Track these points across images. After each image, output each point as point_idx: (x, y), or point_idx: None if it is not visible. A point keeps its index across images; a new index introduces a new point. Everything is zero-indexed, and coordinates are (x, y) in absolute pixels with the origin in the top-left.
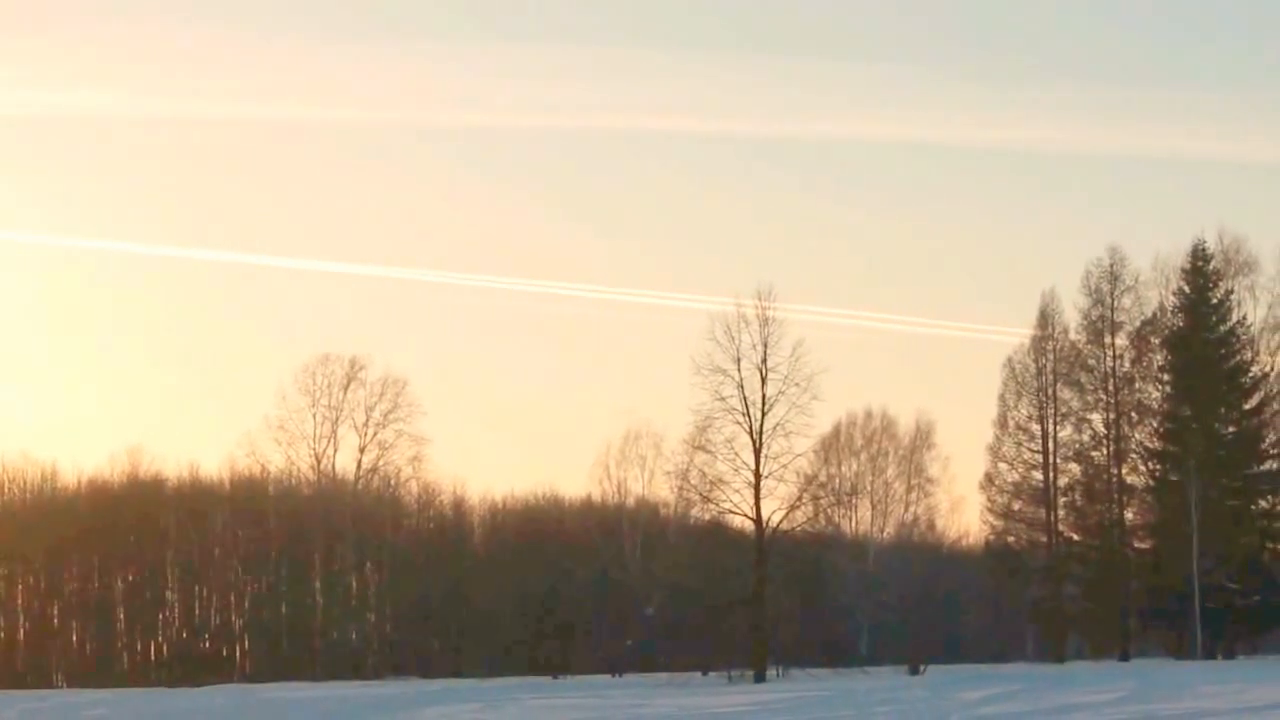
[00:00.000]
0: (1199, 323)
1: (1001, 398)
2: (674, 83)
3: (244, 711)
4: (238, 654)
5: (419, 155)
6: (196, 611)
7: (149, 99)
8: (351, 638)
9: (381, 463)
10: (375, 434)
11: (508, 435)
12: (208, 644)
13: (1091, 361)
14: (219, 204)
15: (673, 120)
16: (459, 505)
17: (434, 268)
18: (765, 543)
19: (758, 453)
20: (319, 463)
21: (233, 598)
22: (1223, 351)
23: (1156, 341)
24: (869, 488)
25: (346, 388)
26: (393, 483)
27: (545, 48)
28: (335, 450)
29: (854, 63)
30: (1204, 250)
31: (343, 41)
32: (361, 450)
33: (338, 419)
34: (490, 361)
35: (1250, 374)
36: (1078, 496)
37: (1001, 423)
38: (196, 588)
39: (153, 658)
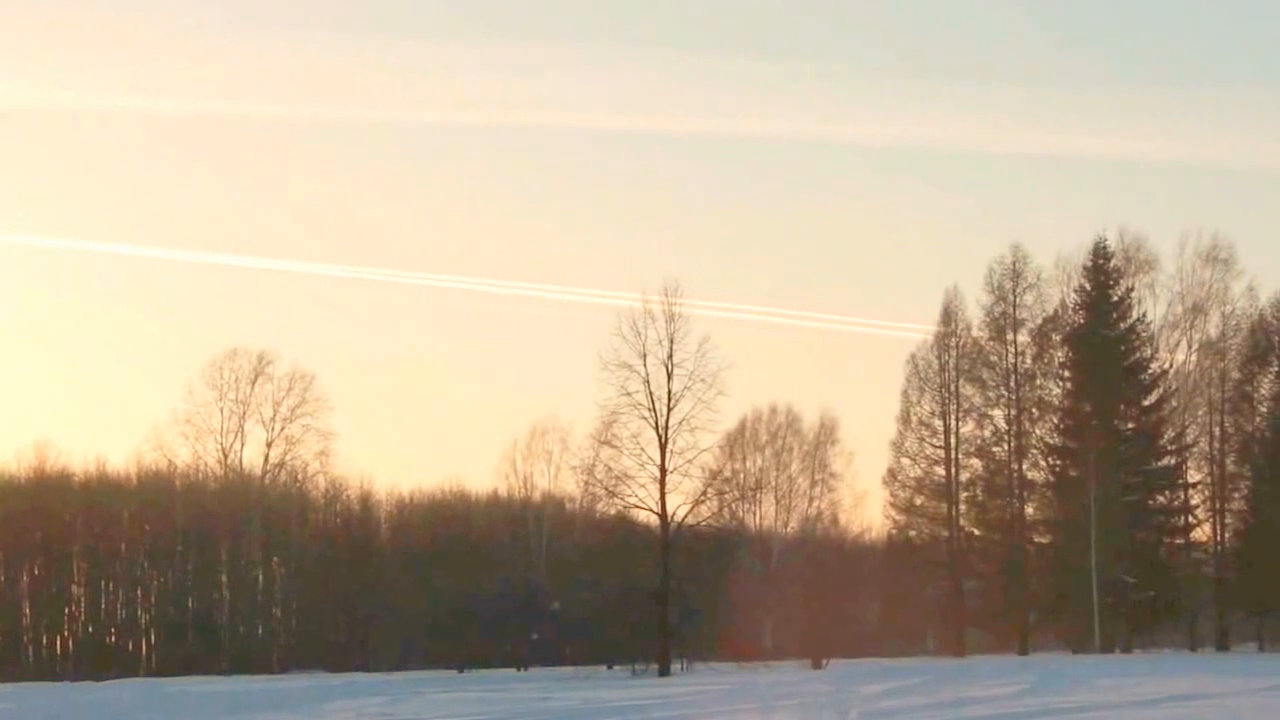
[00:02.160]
0: (1099, 320)
1: (905, 394)
2: (583, 79)
3: (149, 706)
4: (144, 648)
5: (328, 150)
6: (103, 606)
7: (50, 92)
8: (258, 632)
9: (289, 457)
10: (282, 429)
11: (415, 430)
12: (114, 638)
13: (993, 358)
14: (128, 198)
15: (581, 116)
16: (366, 500)
17: (342, 263)
18: (670, 537)
19: (663, 448)
20: (226, 457)
21: (139, 592)
22: (1122, 349)
23: (1057, 338)
24: (773, 483)
25: (254, 382)
26: (300, 477)
27: (451, 44)
28: (242, 445)
29: (761, 61)
30: (1105, 248)
31: (251, 35)
32: (269, 445)
33: (245, 413)
34: (397, 356)
35: (1149, 371)
36: (979, 492)
37: (904, 418)
38: (103, 582)
39: (58, 652)
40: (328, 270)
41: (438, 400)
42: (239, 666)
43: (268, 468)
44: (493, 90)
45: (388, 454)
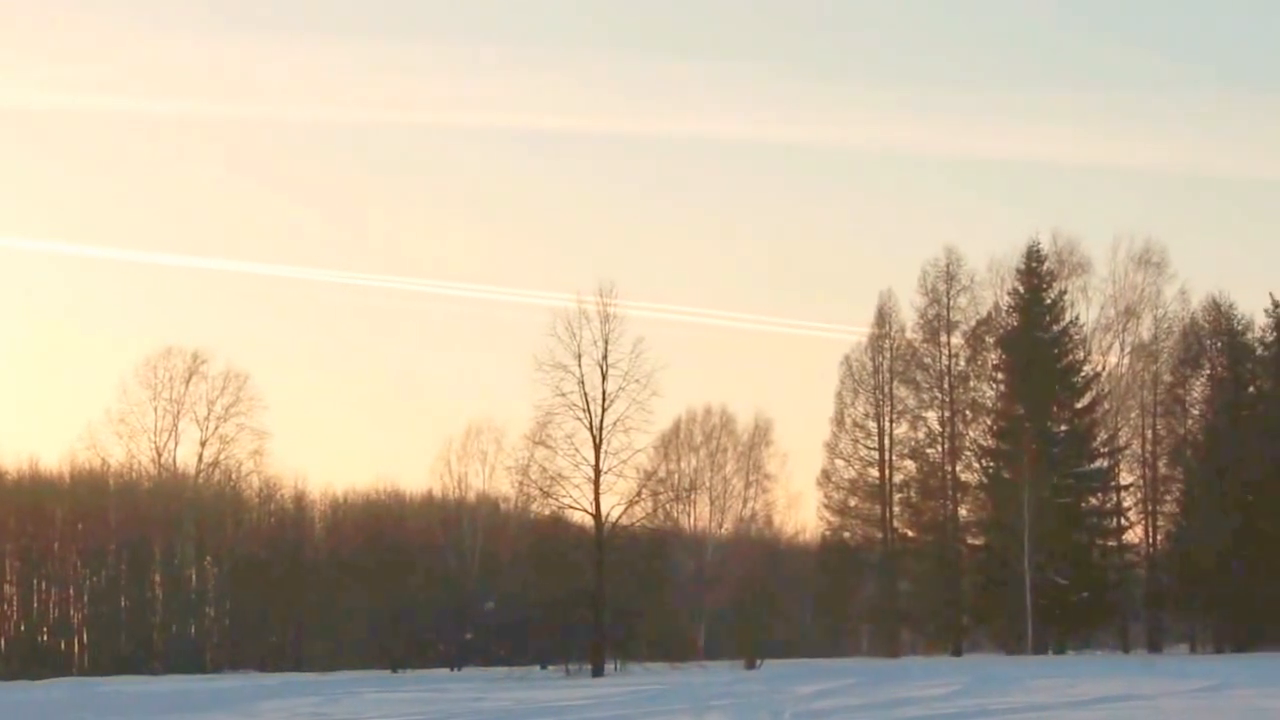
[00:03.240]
0: (1033, 323)
1: (839, 395)
2: (516, 78)
3: (82, 706)
4: (76, 648)
5: (263, 150)
6: (35, 605)
7: None
8: (191, 632)
9: (223, 457)
10: (217, 428)
11: (349, 430)
12: (46, 638)
13: (927, 360)
14: (61, 196)
15: (514, 116)
16: (300, 500)
17: (278, 262)
18: (604, 538)
19: (598, 448)
20: (160, 456)
21: (71, 591)
22: (1056, 351)
23: (991, 341)
24: (708, 484)
25: (188, 381)
26: (234, 477)
27: (385, 42)
28: (176, 444)
29: (695, 61)
30: (1038, 251)
31: (189, 34)
32: (203, 444)
33: (179, 412)
34: (332, 356)
35: (1082, 373)
36: (913, 493)
37: (839, 420)
38: (35, 581)
39: None
40: (263, 269)
41: (372, 400)
42: (172, 666)
43: (201, 467)
44: (428, 90)
45: (322, 454)
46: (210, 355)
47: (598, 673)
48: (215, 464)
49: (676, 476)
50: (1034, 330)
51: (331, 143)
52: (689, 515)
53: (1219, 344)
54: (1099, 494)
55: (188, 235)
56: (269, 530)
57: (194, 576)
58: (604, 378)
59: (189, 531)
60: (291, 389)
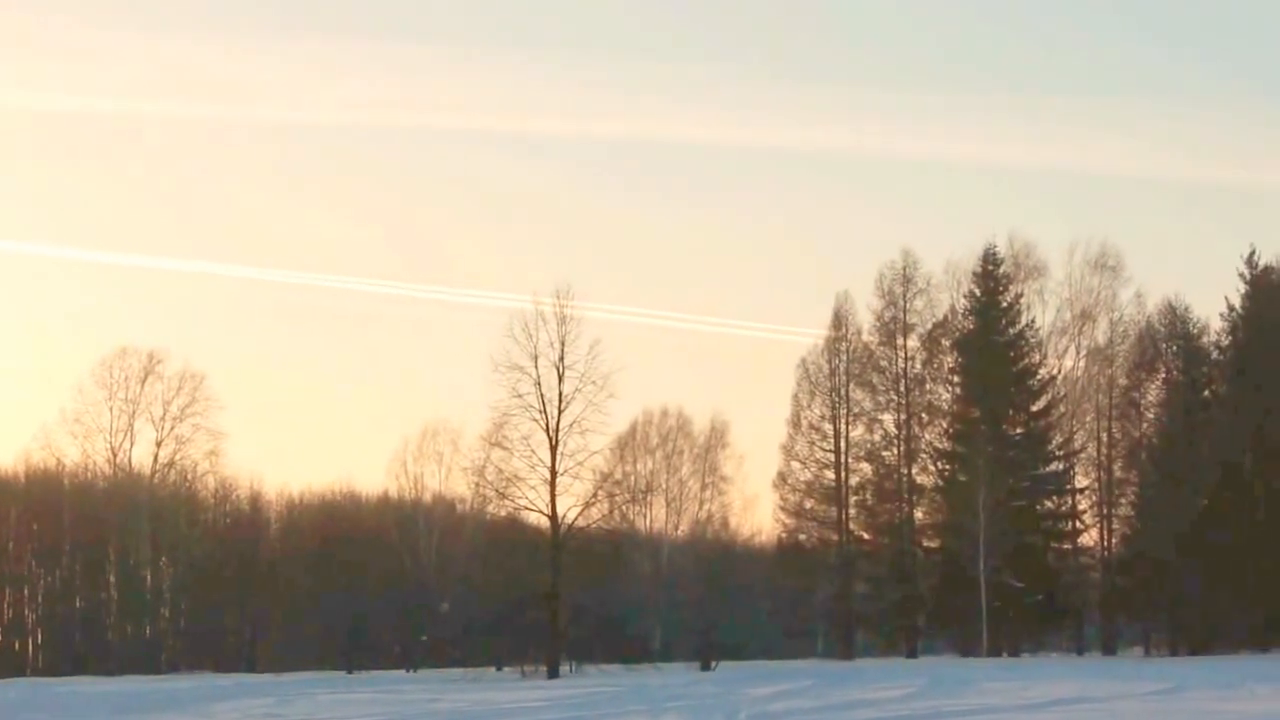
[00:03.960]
0: (989, 326)
1: (795, 397)
2: (474, 80)
3: (36, 706)
4: (30, 648)
5: (220, 150)
6: None
7: None
8: (145, 632)
9: (178, 457)
10: (172, 428)
11: (305, 431)
12: (0, 638)
13: (883, 363)
14: (17, 196)
15: (472, 117)
16: (255, 500)
17: (235, 262)
18: (560, 539)
19: (554, 450)
20: (115, 456)
21: (26, 591)
22: (1011, 354)
23: (947, 344)
24: (664, 485)
25: (144, 381)
26: (189, 477)
27: (342, 44)
28: (132, 444)
29: (654, 63)
30: (995, 255)
31: (140, 33)
32: (158, 444)
33: (135, 412)
34: (289, 356)
35: (1038, 377)
36: (868, 496)
37: (795, 422)
38: None
39: None
40: (219, 270)
41: (328, 401)
42: (127, 667)
43: (157, 467)
44: (386, 91)
45: (278, 454)
46: (166, 355)
47: (553, 674)
48: (171, 464)
49: (632, 478)
50: (990, 333)
51: (288, 144)
52: (645, 517)
53: (1174, 348)
54: (1054, 497)
55: (145, 235)
56: (224, 531)
57: (149, 577)
58: (560, 379)
59: (144, 532)
60: (248, 389)
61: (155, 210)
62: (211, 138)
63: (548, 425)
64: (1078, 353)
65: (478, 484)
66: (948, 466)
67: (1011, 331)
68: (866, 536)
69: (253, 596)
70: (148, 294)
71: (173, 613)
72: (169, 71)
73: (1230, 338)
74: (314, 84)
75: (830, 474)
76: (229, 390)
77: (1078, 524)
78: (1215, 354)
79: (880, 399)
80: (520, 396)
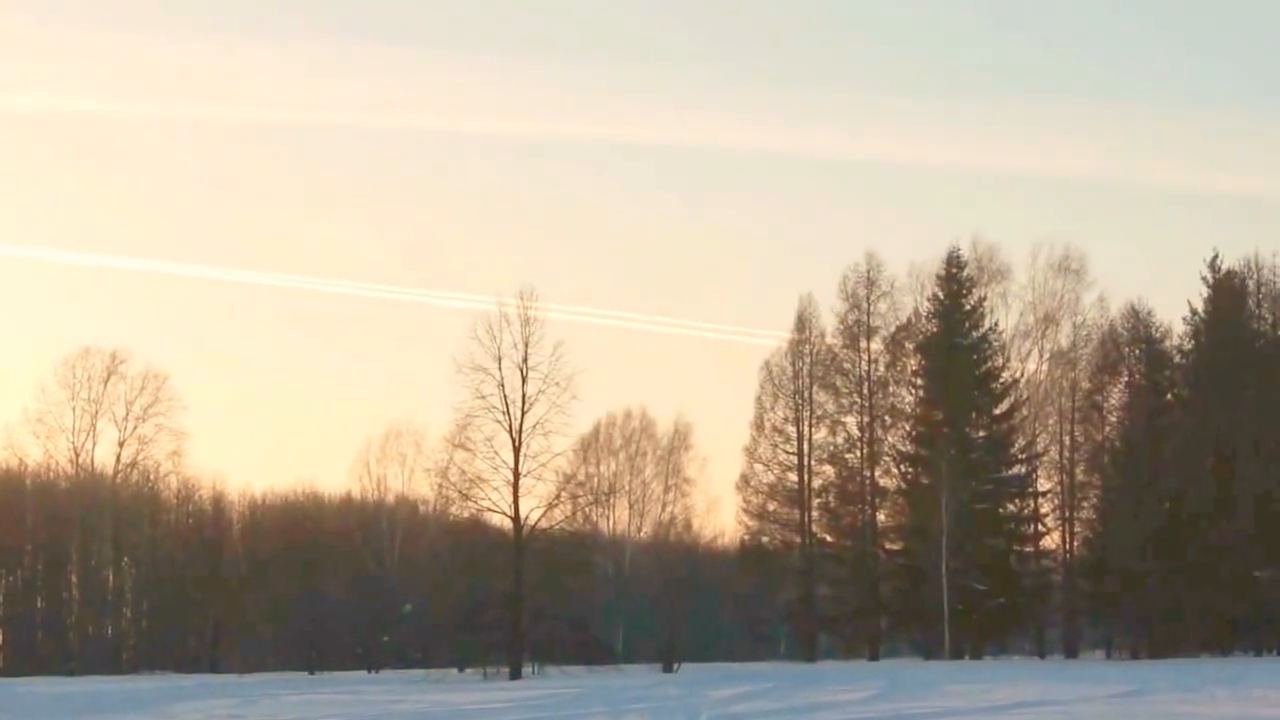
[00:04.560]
0: (952, 329)
1: (758, 400)
2: (439, 81)
3: None
4: None
5: (183, 149)
6: None
7: None
8: (107, 632)
9: (141, 457)
10: (135, 428)
11: (268, 431)
12: None
13: (847, 365)
14: None
15: (437, 118)
16: (218, 501)
17: (197, 262)
18: (523, 541)
19: (517, 451)
20: (77, 456)
21: None
22: (975, 357)
23: (910, 347)
24: (627, 487)
25: (107, 381)
26: (152, 477)
27: (304, 44)
28: (94, 444)
29: (618, 64)
30: (958, 258)
31: (102, 32)
32: (121, 444)
33: (97, 413)
34: (252, 357)
35: (1001, 380)
36: (831, 498)
37: (758, 425)
38: None
39: None
40: (182, 270)
41: (291, 401)
42: (88, 667)
43: (119, 467)
44: (348, 91)
45: (240, 455)
46: (129, 356)
47: (515, 675)
48: (133, 464)
49: (596, 480)
50: (953, 336)
51: (252, 144)
52: (608, 519)
53: (1137, 351)
54: (1017, 500)
55: (108, 235)
56: (187, 531)
57: (111, 577)
58: (524, 381)
59: (106, 532)
60: (210, 390)
61: (118, 210)
62: (173, 137)
63: (511, 427)
64: (1041, 356)
65: (441, 485)
66: (910, 469)
67: (975, 335)
68: (829, 539)
69: (215, 597)
70: (111, 294)
71: (135, 613)
72: (128, 71)
73: (1193, 341)
74: (279, 84)
75: (793, 476)
76: (192, 390)
77: (1040, 527)
78: (1178, 358)
79: (843, 401)
80: (484, 398)
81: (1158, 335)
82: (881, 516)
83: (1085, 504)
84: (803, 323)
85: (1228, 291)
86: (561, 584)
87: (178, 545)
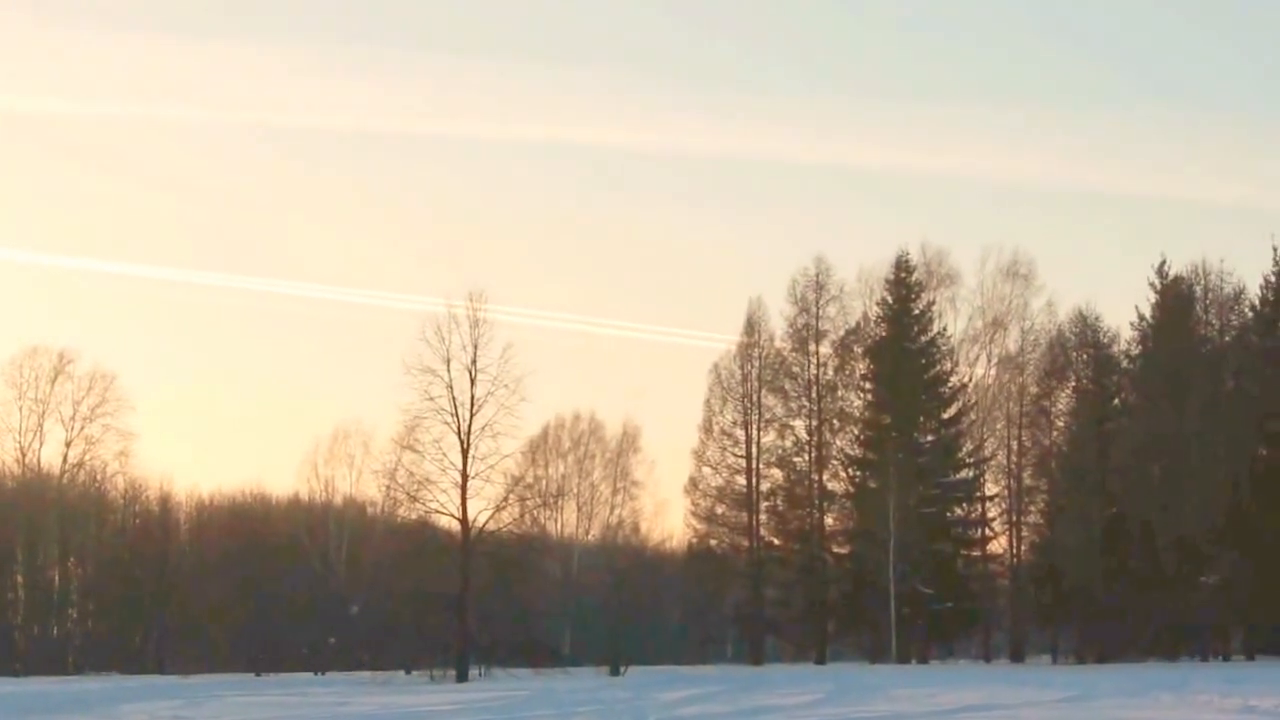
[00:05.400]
0: (901, 333)
1: (707, 403)
2: (386, 82)
3: None
4: None
5: (133, 148)
6: None
7: None
8: (53, 633)
9: (88, 457)
10: (82, 428)
11: (216, 432)
12: None
13: (796, 369)
14: None
15: (387, 120)
16: (165, 501)
17: (145, 262)
18: (471, 543)
19: (465, 453)
20: (24, 456)
21: None
22: (923, 361)
23: (859, 351)
24: (575, 490)
25: (54, 381)
26: (99, 477)
27: (251, 44)
28: (41, 444)
29: (569, 68)
30: (907, 262)
31: (48, 31)
32: (68, 444)
33: (44, 412)
34: (200, 357)
35: (949, 384)
36: (779, 501)
37: (707, 428)
38: None
39: None
40: (130, 269)
41: (239, 402)
42: (33, 668)
43: (66, 467)
44: (297, 92)
45: (188, 455)
46: (77, 355)
47: (462, 678)
48: (80, 464)
49: (544, 482)
50: (902, 340)
51: (201, 143)
52: (556, 521)
53: (1085, 356)
54: (964, 504)
55: (55, 234)
56: (134, 532)
57: (57, 578)
58: (473, 383)
59: (52, 533)
60: (158, 390)
61: (66, 210)
62: (122, 137)
63: (459, 428)
64: (989, 360)
65: (388, 487)
66: (858, 473)
67: (923, 339)
68: (777, 542)
69: (161, 598)
70: (58, 294)
71: (81, 614)
72: (77, 69)
73: (1140, 347)
74: (227, 85)
75: (741, 479)
76: (140, 391)
77: (987, 531)
78: (1125, 363)
79: (792, 405)
80: (432, 399)
81: (1105, 340)
82: (829, 520)
83: (1032, 509)
84: (752, 326)
85: (1175, 297)
86: (509, 586)
87: (124, 546)
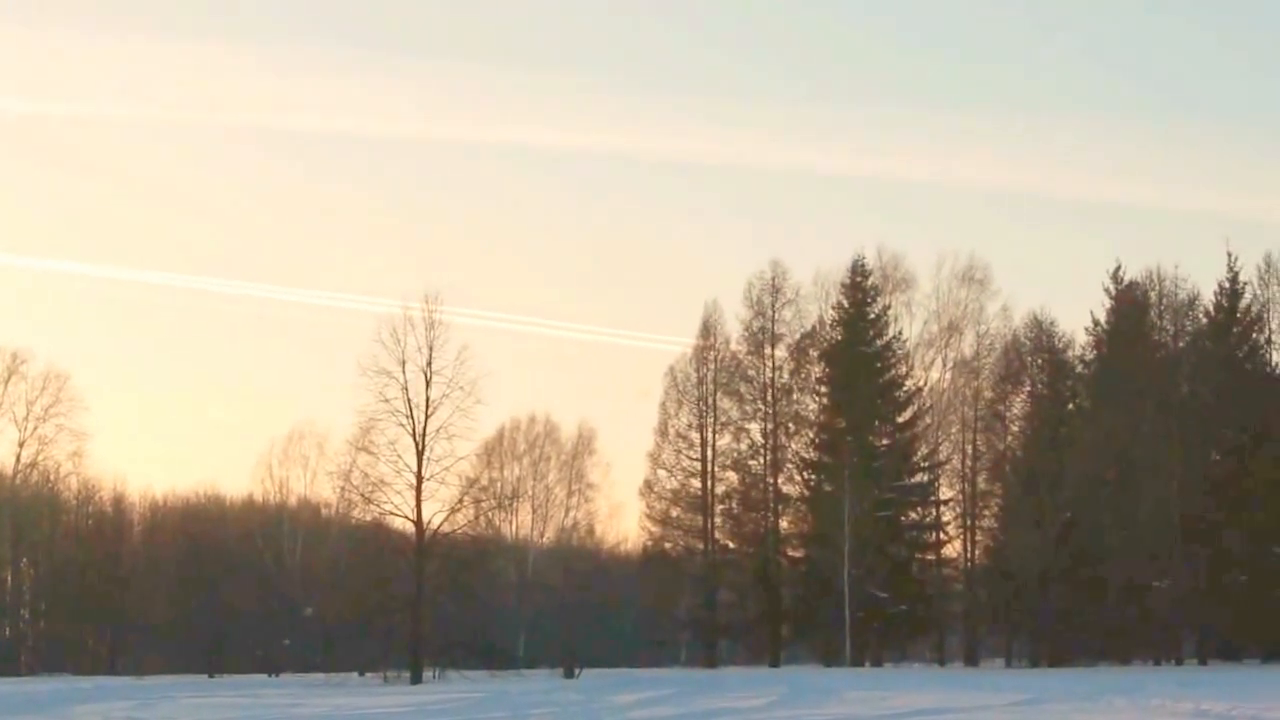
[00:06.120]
0: (856, 337)
1: (663, 406)
2: (350, 83)
3: None
4: None
5: (86, 148)
6: None
7: None
8: (5, 633)
9: (41, 458)
10: (35, 428)
11: (170, 433)
12: None
13: (751, 372)
14: None
15: (345, 121)
16: (119, 502)
17: (101, 262)
18: (425, 545)
19: (420, 455)
20: None
21: None
22: (878, 365)
23: (815, 354)
24: (530, 492)
25: (7, 381)
26: (52, 478)
27: (211, 44)
28: None
29: (525, 70)
30: (863, 266)
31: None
32: (21, 444)
33: None
34: (154, 358)
35: (904, 388)
36: (734, 505)
37: (662, 430)
38: None
39: None
40: (84, 269)
41: (194, 403)
42: None
43: (19, 467)
44: (253, 92)
45: (142, 456)
46: (30, 355)
47: (416, 680)
48: (33, 465)
49: (499, 484)
50: (857, 344)
51: (153, 143)
52: (511, 523)
53: (1040, 361)
54: (919, 508)
55: (8, 234)
56: (87, 533)
57: (9, 578)
58: (428, 384)
59: (5, 533)
60: (112, 390)
61: (19, 209)
62: (75, 136)
63: (414, 430)
64: (944, 365)
65: (343, 488)
66: (813, 476)
67: (879, 343)
68: (732, 545)
69: (115, 599)
70: (12, 293)
71: (33, 614)
72: (34, 69)
73: (1095, 352)
74: (184, 85)
75: (696, 482)
76: (94, 391)
77: (942, 535)
78: (1080, 368)
79: (747, 408)
80: (387, 401)
81: (1060, 345)
82: (784, 523)
83: (986, 513)
84: (708, 329)
85: (1130, 303)
86: (464, 589)
87: (77, 546)
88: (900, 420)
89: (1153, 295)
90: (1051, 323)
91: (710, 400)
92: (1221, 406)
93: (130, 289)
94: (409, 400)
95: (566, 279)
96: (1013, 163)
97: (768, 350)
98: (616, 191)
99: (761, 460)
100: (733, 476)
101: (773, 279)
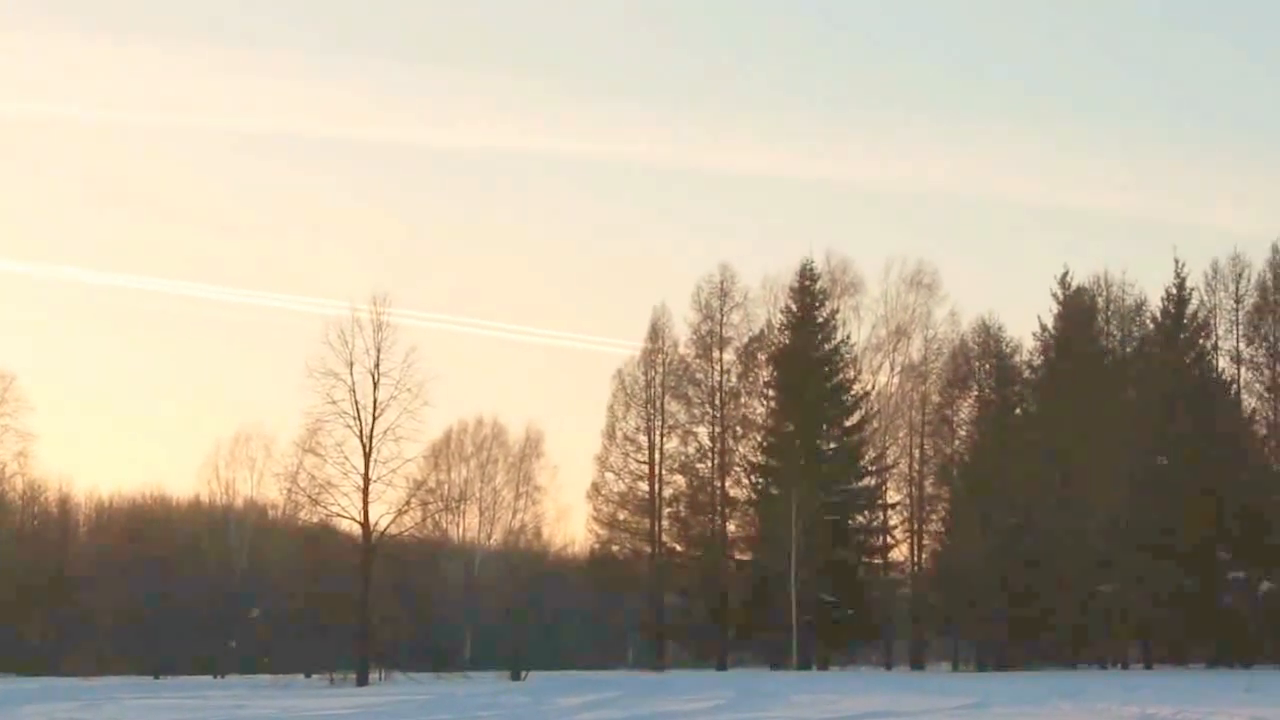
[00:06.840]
0: (804, 341)
1: (611, 409)
2: (297, 86)
3: None
4: None
5: (34, 148)
6: None
7: None
8: None
9: None
10: None
11: (116, 433)
12: None
13: (699, 376)
14: None
15: (292, 123)
16: (64, 503)
17: (46, 262)
18: (372, 547)
19: (367, 457)
20: None
21: None
22: (826, 369)
23: (763, 358)
24: (477, 494)
25: None
26: None
27: (164, 45)
28: None
29: (477, 73)
30: (812, 270)
31: None
32: None
33: None
34: (101, 359)
35: (852, 392)
36: (682, 508)
37: (610, 433)
38: None
39: None
40: (30, 269)
41: (140, 403)
42: None
43: None
44: (206, 94)
45: (88, 457)
46: None
47: (362, 682)
48: None
49: (446, 486)
50: (805, 348)
51: (101, 143)
52: (458, 525)
53: (987, 366)
54: (866, 512)
55: None
56: (32, 533)
57: None
58: (375, 386)
59: None
60: (58, 391)
61: None
62: (21, 135)
63: (362, 432)
64: (892, 369)
65: (290, 490)
66: (761, 480)
67: (826, 347)
68: (679, 548)
69: (60, 600)
70: None
71: None
72: None
73: (1042, 357)
74: (133, 85)
75: (644, 485)
76: (39, 391)
77: (889, 539)
78: (1027, 373)
79: (695, 412)
80: (335, 403)
81: (1008, 350)
82: (731, 526)
83: (933, 517)
84: (656, 332)
85: (1077, 308)
86: (410, 591)
87: (22, 547)
88: (848, 424)
89: (1100, 301)
90: (999, 328)
91: (658, 403)
92: (1168, 411)
93: (76, 290)
94: (356, 402)
95: (515, 282)
96: (961, 167)
97: (716, 354)
98: (565, 195)
99: (709, 463)
100: (680, 480)
101: (721, 283)
